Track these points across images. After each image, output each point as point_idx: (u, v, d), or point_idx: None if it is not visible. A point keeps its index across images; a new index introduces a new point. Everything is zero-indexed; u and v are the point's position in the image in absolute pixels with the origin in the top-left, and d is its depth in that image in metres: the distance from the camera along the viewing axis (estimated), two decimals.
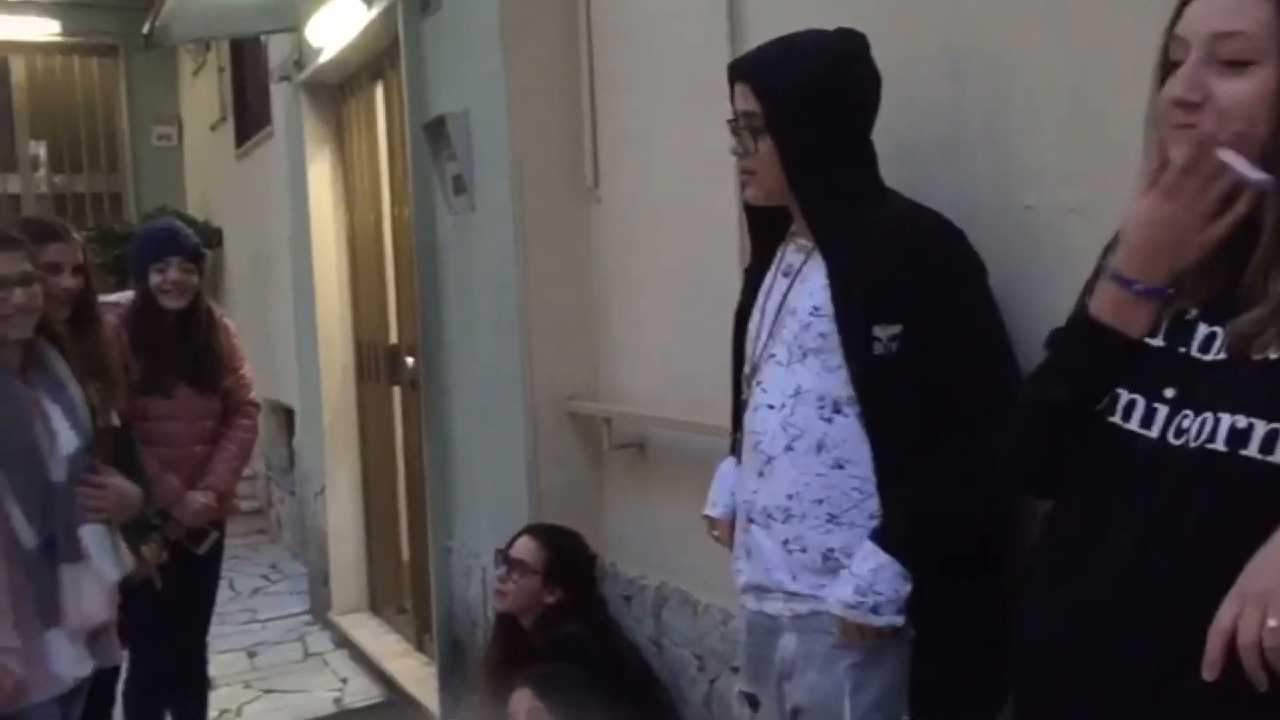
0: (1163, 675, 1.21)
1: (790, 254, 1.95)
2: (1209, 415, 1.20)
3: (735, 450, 2.08)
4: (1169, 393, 1.25)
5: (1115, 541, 1.26)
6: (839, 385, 1.81)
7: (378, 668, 4.62)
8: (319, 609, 5.42)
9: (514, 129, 3.29)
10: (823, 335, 1.82)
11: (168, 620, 3.10)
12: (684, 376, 2.94)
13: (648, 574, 3.12)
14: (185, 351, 3.34)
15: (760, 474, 1.89)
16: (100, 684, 2.64)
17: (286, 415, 6.50)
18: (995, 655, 1.44)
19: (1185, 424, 1.22)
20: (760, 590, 1.92)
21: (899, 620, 1.74)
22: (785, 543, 1.85)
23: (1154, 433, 1.25)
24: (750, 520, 1.92)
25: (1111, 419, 1.29)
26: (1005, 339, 1.80)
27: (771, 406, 1.87)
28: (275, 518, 7.12)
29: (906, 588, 1.74)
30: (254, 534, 7.04)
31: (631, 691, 2.72)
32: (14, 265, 2.38)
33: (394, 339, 4.81)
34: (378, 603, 5.21)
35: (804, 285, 1.87)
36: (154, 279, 3.29)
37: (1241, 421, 1.17)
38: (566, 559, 2.95)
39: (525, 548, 2.94)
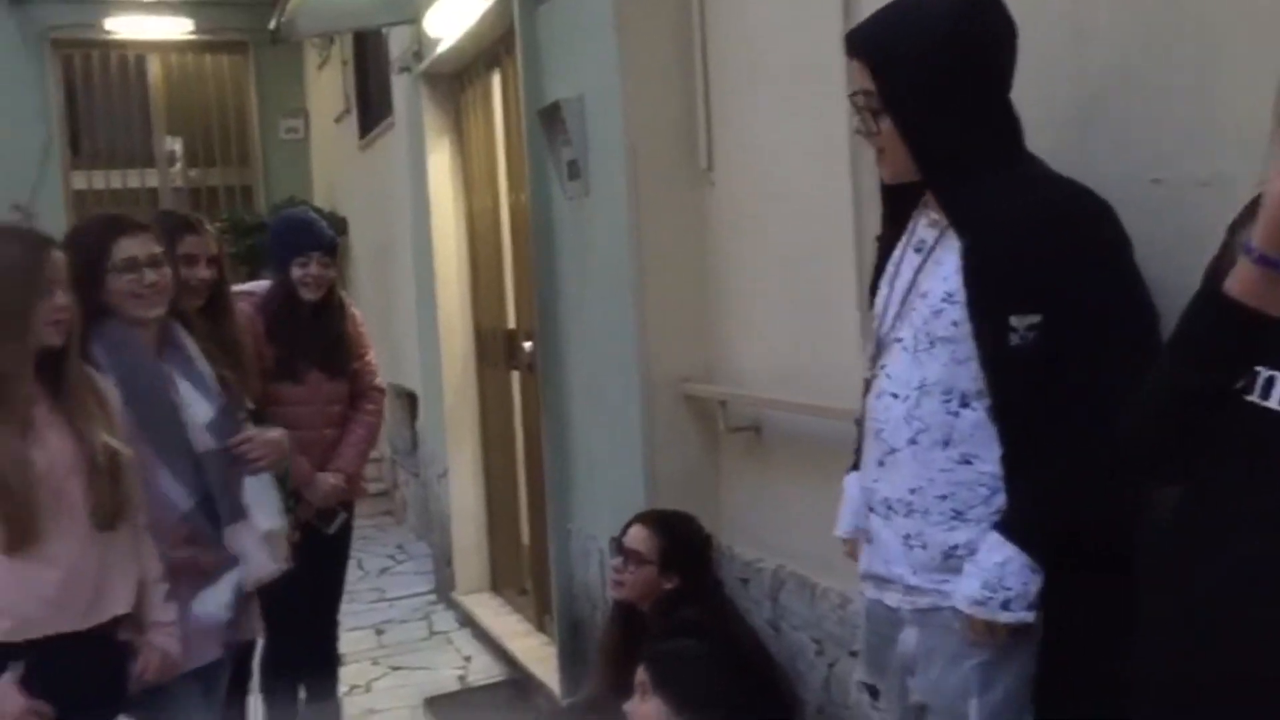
0: None
1: (923, 228, 1.82)
2: None
3: (857, 453, 1.99)
4: None
5: (1252, 530, 1.21)
6: (968, 378, 1.71)
7: (500, 647, 4.70)
8: (443, 589, 5.55)
9: (628, 113, 3.30)
10: (955, 324, 1.71)
11: (301, 598, 3.20)
12: (800, 359, 2.92)
13: (764, 557, 3.11)
14: (319, 340, 3.45)
15: (881, 463, 1.82)
16: (239, 659, 2.75)
17: (410, 399, 6.65)
18: (1124, 656, 1.40)
19: None
20: (880, 580, 1.86)
21: (1029, 616, 1.66)
22: (906, 537, 1.78)
23: None
24: (870, 509, 1.86)
25: (1250, 398, 1.24)
26: (1154, 327, 1.64)
27: (895, 396, 1.79)
28: (400, 500, 7.29)
29: (1037, 582, 1.65)
30: (380, 515, 7.22)
31: (750, 673, 2.72)
32: (144, 248, 2.50)
33: (512, 324, 4.88)
34: (499, 583, 5.30)
35: (937, 268, 1.75)
36: (295, 272, 3.39)
37: None
38: (681, 545, 2.94)
39: (639, 537, 2.94)
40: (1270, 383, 1.22)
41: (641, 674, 2.45)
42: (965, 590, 1.68)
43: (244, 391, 2.94)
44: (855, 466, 2.02)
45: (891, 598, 1.84)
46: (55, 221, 7.53)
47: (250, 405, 2.98)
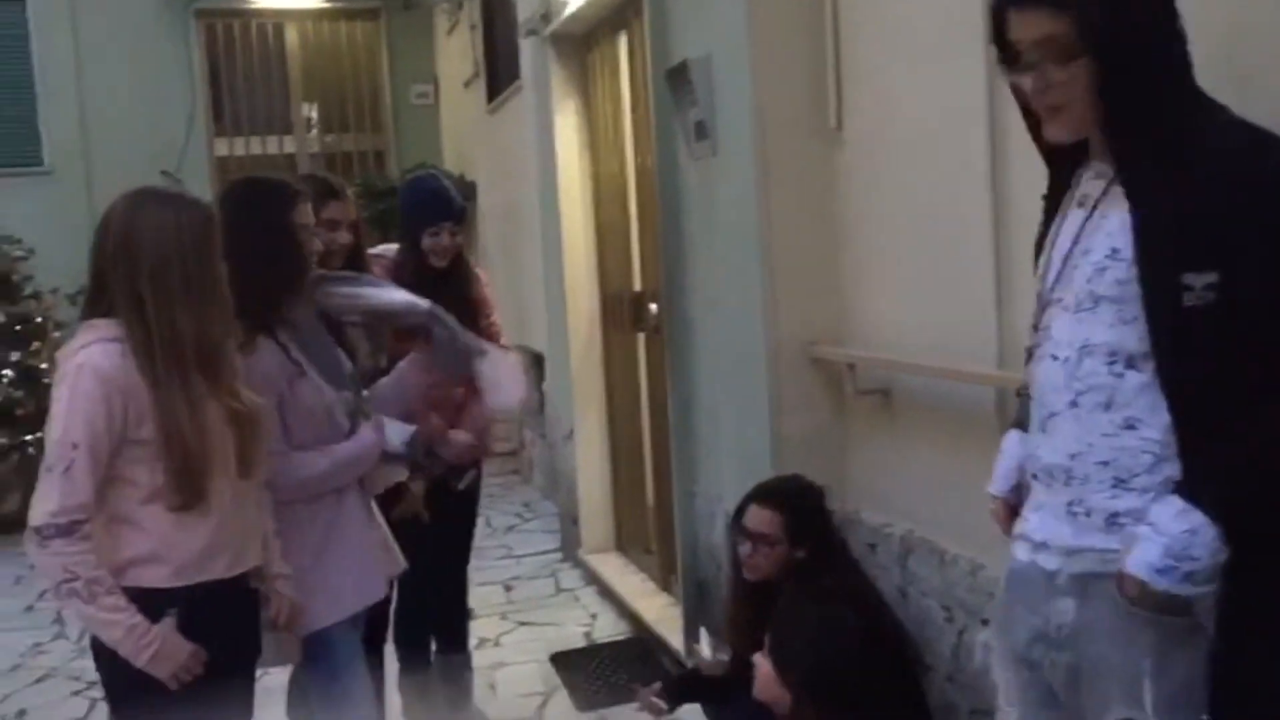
0: None
1: (1087, 181, 1.73)
2: None
3: (1021, 415, 1.91)
4: None
5: None
6: (1134, 339, 1.62)
7: (625, 605, 4.76)
8: (569, 547, 5.63)
9: (756, 72, 3.26)
10: (1119, 282, 1.62)
11: (432, 552, 3.29)
12: (932, 321, 2.86)
13: (893, 522, 3.07)
14: (448, 306, 3.50)
15: (1043, 429, 1.75)
16: (374, 610, 2.84)
17: (537, 360, 6.74)
18: None
19: None
20: (1036, 544, 1.78)
21: (1209, 591, 1.55)
22: (1069, 504, 1.71)
23: None
24: (1034, 476, 1.80)
25: None
26: None
27: (1055, 358, 1.71)
28: (527, 459, 7.41)
29: (1224, 555, 1.54)
30: (508, 474, 7.36)
31: (879, 640, 2.68)
32: (306, 216, 2.61)
33: (638, 286, 4.89)
34: (624, 543, 5.35)
35: (1103, 222, 1.67)
36: (426, 242, 3.45)
37: None
38: (804, 514, 2.89)
39: (762, 519, 2.87)
40: None
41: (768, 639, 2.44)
42: (1146, 557, 1.57)
43: (379, 351, 3.05)
44: (1018, 425, 1.95)
45: (1049, 560, 1.75)
46: (200, 187, 7.81)
47: (384, 364, 3.08)
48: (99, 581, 2.09)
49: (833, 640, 2.44)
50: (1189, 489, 1.57)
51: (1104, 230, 1.66)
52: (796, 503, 2.90)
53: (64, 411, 2.10)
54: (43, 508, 2.09)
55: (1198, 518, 1.54)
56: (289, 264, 2.54)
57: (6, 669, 4.66)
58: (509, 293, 6.95)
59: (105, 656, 2.17)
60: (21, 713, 4.20)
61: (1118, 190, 1.65)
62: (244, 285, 2.29)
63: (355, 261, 3.05)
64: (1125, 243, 1.62)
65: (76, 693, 4.34)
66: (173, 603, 2.15)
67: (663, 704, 3.03)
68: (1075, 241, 1.71)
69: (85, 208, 8.83)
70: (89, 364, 2.12)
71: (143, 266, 2.16)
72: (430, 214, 3.47)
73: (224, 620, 2.24)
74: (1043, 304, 1.77)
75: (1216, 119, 1.61)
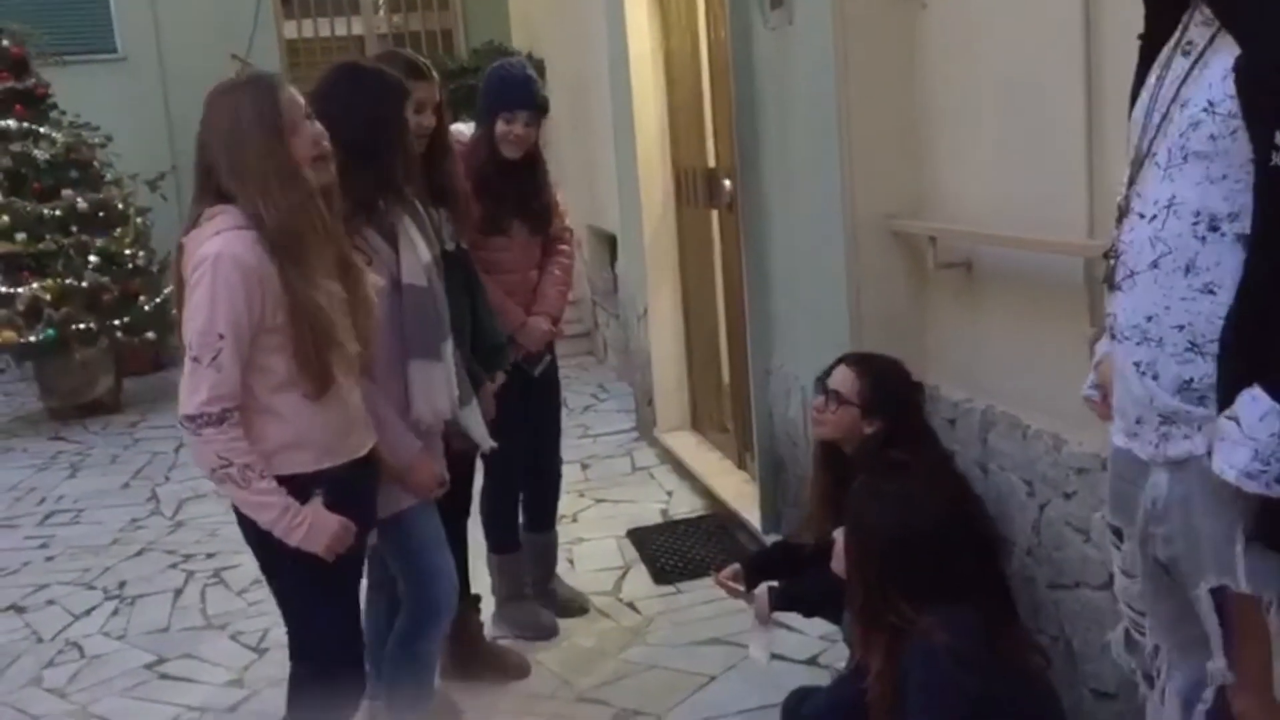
0: None
1: (1194, 26, 1.64)
2: None
3: (1108, 277, 1.83)
4: None
5: None
6: (1220, 198, 1.56)
7: (701, 483, 4.80)
8: (644, 426, 5.67)
9: None
10: (1213, 138, 1.55)
11: (516, 435, 3.32)
12: (1016, 191, 2.77)
13: (974, 397, 3.03)
14: (524, 201, 3.48)
15: (1122, 288, 1.70)
16: (458, 485, 2.89)
17: (610, 241, 6.70)
18: None
19: None
20: (1129, 428, 1.74)
21: None
22: (1137, 364, 1.68)
23: None
24: (1112, 336, 1.75)
25: None
26: None
27: (1142, 215, 1.66)
28: (601, 340, 7.44)
29: None
30: (582, 355, 7.40)
31: (954, 516, 2.67)
32: (426, 93, 2.63)
33: (711, 162, 4.81)
34: (699, 422, 5.37)
35: (1204, 72, 1.58)
36: (500, 127, 3.38)
37: None
38: (885, 390, 2.86)
39: (843, 379, 2.86)
40: None
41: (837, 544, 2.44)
42: (1235, 460, 1.54)
43: (458, 233, 3.06)
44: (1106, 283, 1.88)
45: (1143, 448, 1.73)
46: (270, 69, 7.80)
47: (463, 245, 3.09)
48: (251, 467, 2.17)
49: (907, 515, 2.42)
50: (1271, 384, 1.51)
51: (1204, 81, 1.58)
52: (882, 376, 2.87)
53: (206, 301, 2.13)
54: (194, 398, 2.15)
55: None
56: (391, 160, 2.55)
57: (106, 543, 4.86)
58: (581, 172, 6.88)
59: (258, 537, 2.27)
60: (122, 584, 4.38)
61: (1225, 39, 1.56)
62: (345, 178, 2.30)
63: (438, 145, 3.03)
64: (1223, 94, 1.54)
65: (173, 565, 4.52)
66: (318, 484, 2.25)
67: (740, 586, 3.06)
68: (1175, 96, 1.63)
69: (159, 93, 8.90)
70: (227, 252, 2.14)
71: (221, 156, 2.19)
72: (510, 98, 3.40)
73: (361, 493, 2.38)
74: (1138, 158, 1.70)
75: None
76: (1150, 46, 1.73)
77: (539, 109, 3.45)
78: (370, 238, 2.56)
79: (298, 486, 2.22)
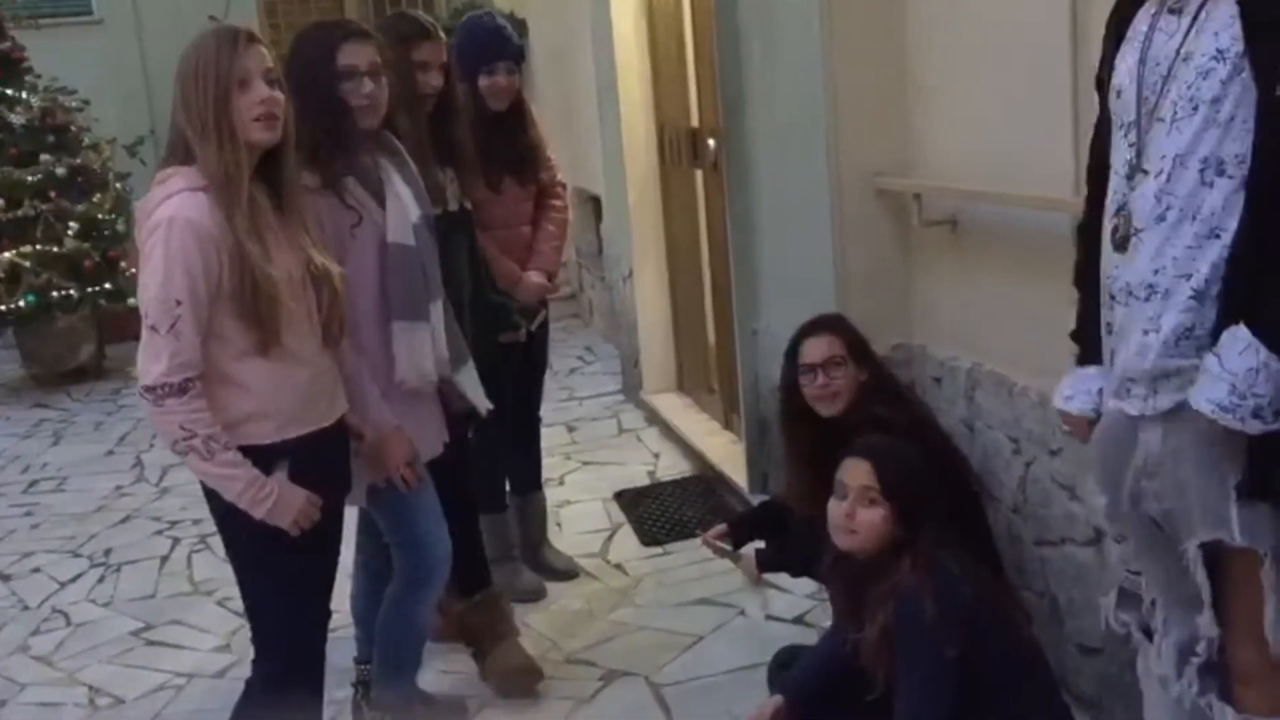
0: None
1: None
2: None
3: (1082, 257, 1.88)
4: None
5: None
6: (1227, 140, 1.58)
7: (687, 444, 4.79)
8: (631, 388, 5.66)
9: None
10: (1223, 82, 1.57)
11: (504, 395, 3.30)
12: (1001, 147, 2.76)
13: (959, 355, 3.03)
14: (511, 150, 3.46)
15: (1123, 249, 1.70)
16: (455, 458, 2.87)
17: (594, 203, 6.66)
18: None
19: None
20: (1120, 386, 1.76)
21: (1278, 424, 1.54)
22: (1147, 320, 1.68)
23: None
24: (1112, 297, 1.76)
25: None
26: None
27: (1147, 172, 1.66)
28: (587, 302, 7.41)
29: None
30: (568, 318, 7.37)
31: (939, 471, 2.67)
32: (366, 57, 2.52)
33: (695, 122, 4.77)
34: (686, 383, 5.36)
35: (1207, 24, 1.60)
36: (483, 82, 3.38)
37: None
38: (856, 338, 2.85)
39: (821, 345, 2.80)
40: None
41: (856, 473, 2.38)
42: (1212, 395, 1.57)
43: (464, 193, 3.08)
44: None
45: (1133, 405, 1.73)
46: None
47: (468, 205, 3.07)
48: (215, 438, 2.12)
49: (905, 461, 2.41)
50: (1255, 320, 1.54)
51: (1209, 31, 1.59)
52: (845, 327, 2.86)
53: (161, 267, 2.07)
54: (154, 368, 2.09)
55: (1262, 354, 1.52)
56: (329, 115, 2.46)
57: (91, 510, 4.84)
58: (563, 132, 6.82)
59: (223, 510, 2.22)
60: (108, 551, 4.37)
61: None
62: (300, 137, 2.25)
63: (446, 104, 3.00)
64: (1231, 39, 1.56)
65: (159, 532, 4.51)
66: (282, 455, 2.20)
67: (727, 546, 3.06)
68: (1176, 54, 1.63)
69: (136, 56, 8.78)
70: (180, 216, 2.08)
71: (177, 105, 2.14)
72: (486, 53, 3.39)
73: (328, 464, 2.31)
74: (1136, 119, 1.70)
75: None
76: (1120, 18, 1.75)
77: (516, 57, 3.43)
78: (358, 195, 2.53)
79: (260, 457, 2.17)
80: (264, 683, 2.34)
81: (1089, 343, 1.90)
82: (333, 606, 2.41)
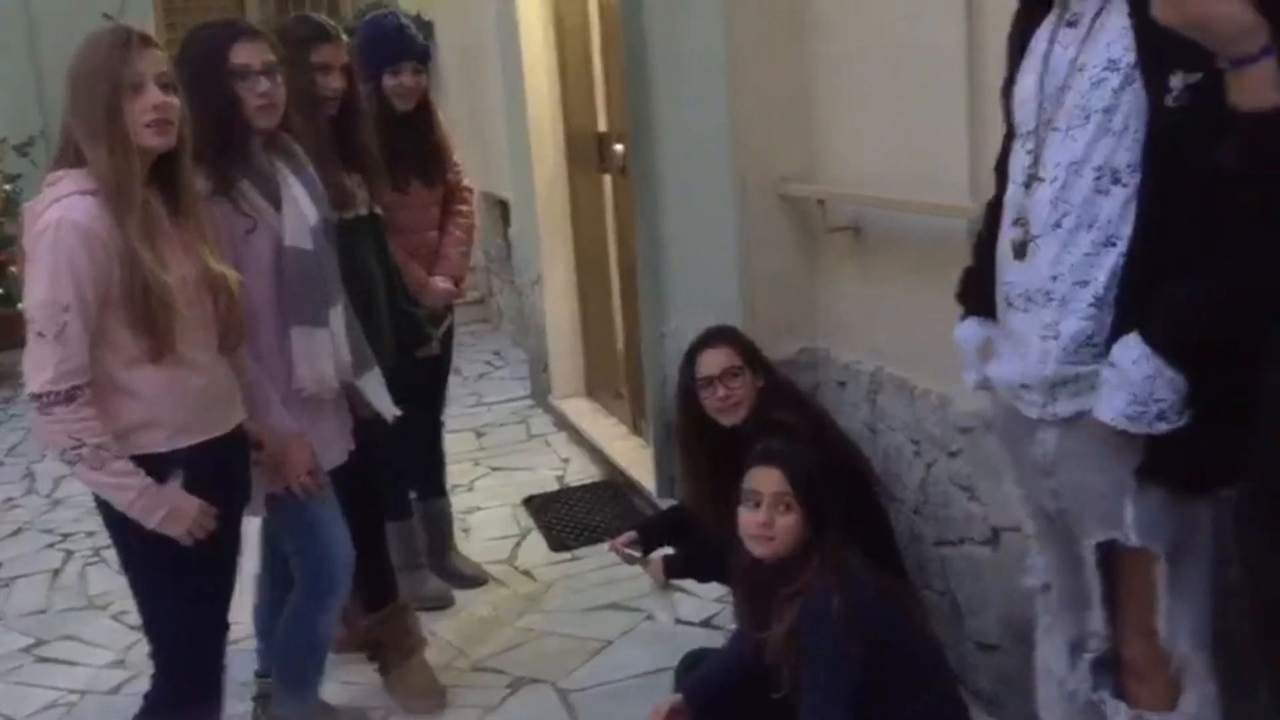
0: None
1: (1077, 1, 1.69)
2: None
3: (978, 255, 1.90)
4: None
5: None
6: (1120, 149, 1.60)
7: (596, 449, 4.79)
8: (539, 393, 5.64)
9: None
10: (1115, 91, 1.60)
11: (409, 401, 3.26)
12: (903, 154, 2.81)
13: (863, 359, 3.07)
14: (417, 151, 3.43)
15: (1020, 255, 1.73)
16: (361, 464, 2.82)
17: (502, 207, 6.63)
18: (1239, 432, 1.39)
19: None
20: (1016, 387, 1.78)
21: (1182, 421, 1.58)
22: (1044, 328, 1.70)
23: None
24: (1010, 304, 1.78)
25: None
26: None
27: (1043, 179, 1.69)
28: (496, 306, 7.37)
29: (1184, 385, 1.56)
30: (476, 322, 7.32)
31: (841, 473, 2.70)
32: (260, 55, 2.47)
33: (603, 126, 4.77)
34: (595, 387, 5.36)
35: (1100, 34, 1.63)
36: (388, 82, 3.34)
37: None
38: (751, 346, 2.88)
39: (719, 357, 2.81)
40: None
41: (768, 481, 2.40)
42: (1114, 405, 1.60)
43: (372, 198, 3.05)
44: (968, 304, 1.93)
45: (1030, 409, 1.76)
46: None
47: (378, 210, 3.04)
48: (105, 447, 2.06)
49: (813, 465, 2.43)
50: (1147, 328, 1.57)
51: (1102, 42, 1.63)
52: (738, 338, 2.89)
53: (48, 271, 2.01)
54: (40, 376, 2.03)
55: (1156, 362, 1.55)
56: (223, 116, 2.41)
57: None
58: (472, 136, 6.77)
59: (116, 521, 2.16)
60: None
61: (1117, 4, 1.61)
62: (194, 139, 2.20)
63: (349, 108, 2.96)
64: (1123, 50, 1.59)
65: (50, 545, 4.37)
66: (176, 464, 2.15)
67: (635, 553, 3.06)
68: (1071, 65, 1.67)
69: (25, 55, 8.48)
70: (68, 219, 2.02)
71: (68, 106, 2.08)
72: (390, 53, 3.35)
73: (224, 473, 2.26)
74: (1035, 128, 1.73)
75: None
76: (1023, 27, 1.78)
77: (421, 56, 3.41)
78: (252, 198, 2.48)
79: (154, 467, 2.12)
80: (161, 697, 2.28)
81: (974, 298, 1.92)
82: (233, 618, 2.37)
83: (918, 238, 2.76)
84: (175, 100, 2.11)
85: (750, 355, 2.85)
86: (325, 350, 2.55)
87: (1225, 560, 1.69)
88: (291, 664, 2.73)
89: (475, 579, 3.74)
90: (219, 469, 2.24)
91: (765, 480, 2.38)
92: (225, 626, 2.34)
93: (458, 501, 3.97)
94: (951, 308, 2.04)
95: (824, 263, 3.24)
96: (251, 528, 2.56)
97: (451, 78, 7.68)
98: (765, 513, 2.36)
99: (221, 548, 2.26)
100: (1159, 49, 1.52)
